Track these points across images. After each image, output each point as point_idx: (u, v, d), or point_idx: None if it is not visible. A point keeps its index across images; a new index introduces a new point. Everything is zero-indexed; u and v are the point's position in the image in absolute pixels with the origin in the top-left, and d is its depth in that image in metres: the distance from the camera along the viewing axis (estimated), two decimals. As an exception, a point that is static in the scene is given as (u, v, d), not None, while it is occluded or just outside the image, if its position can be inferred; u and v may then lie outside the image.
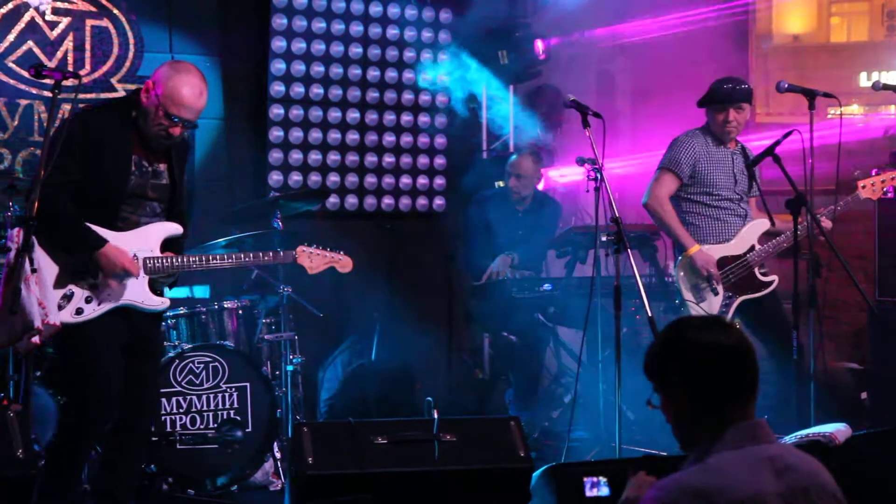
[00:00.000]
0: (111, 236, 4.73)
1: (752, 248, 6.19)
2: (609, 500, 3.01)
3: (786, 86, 5.89)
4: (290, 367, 6.16)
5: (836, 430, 4.65)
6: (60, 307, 4.61)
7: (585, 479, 3.15)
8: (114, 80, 6.96)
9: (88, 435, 4.82)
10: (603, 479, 3.07)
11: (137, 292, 4.80)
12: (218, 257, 5.08)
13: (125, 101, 4.94)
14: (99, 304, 4.72)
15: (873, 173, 6.23)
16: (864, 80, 9.14)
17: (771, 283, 6.20)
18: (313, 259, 5.34)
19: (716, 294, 6.15)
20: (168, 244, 4.92)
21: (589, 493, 3.09)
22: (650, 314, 5.43)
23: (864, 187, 6.16)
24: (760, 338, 6.18)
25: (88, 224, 4.68)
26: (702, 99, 6.27)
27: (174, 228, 4.92)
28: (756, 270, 6.18)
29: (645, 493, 2.66)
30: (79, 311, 4.66)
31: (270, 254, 5.29)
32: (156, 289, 4.90)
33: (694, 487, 2.46)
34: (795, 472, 2.53)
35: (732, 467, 2.50)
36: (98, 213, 4.73)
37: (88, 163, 4.66)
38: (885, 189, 6.19)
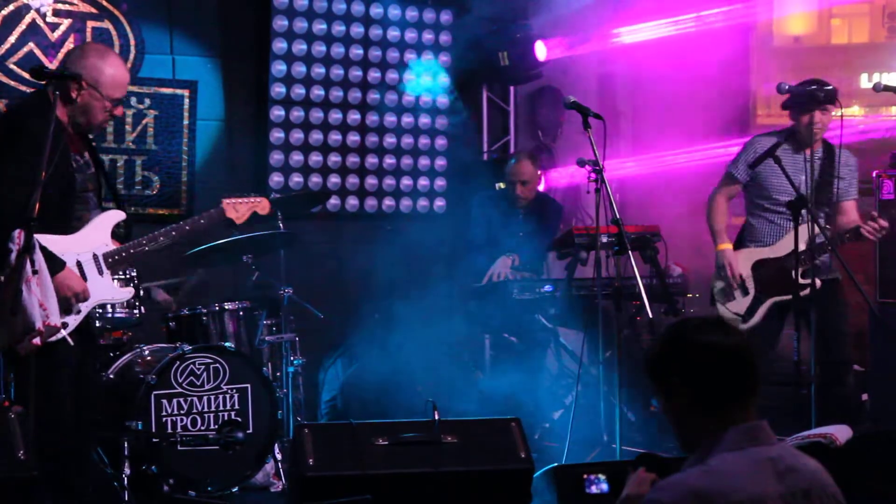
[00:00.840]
0: (69, 240, 4.70)
1: (794, 251, 6.10)
2: (609, 497, 3.04)
3: (787, 87, 5.88)
4: (290, 369, 6.17)
5: (837, 431, 4.66)
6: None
7: (585, 477, 3.19)
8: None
9: (50, 454, 4.75)
10: (602, 476, 3.11)
11: (106, 289, 4.81)
12: (162, 233, 5.03)
13: (43, 100, 4.69)
14: (79, 313, 4.71)
15: None
16: (865, 82, 9.13)
17: (807, 285, 5.88)
18: (238, 208, 5.29)
19: (745, 294, 6.14)
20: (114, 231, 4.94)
21: (588, 489, 3.13)
22: (650, 316, 5.45)
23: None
24: (812, 341, 6.13)
25: (47, 235, 4.56)
26: (786, 102, 6.18)
27: (119, 215, 4.93)
28: (794, 272, 6.08)
29: (645, 491, 2.68)
30: (64, 325, 4.63)
31: (203, 215, 5.24)
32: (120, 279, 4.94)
33: (695, 489, 2.46)
34: (796, 474, 2.53)
35: (733, 469, 2.49)
36: (57, 218, 4.66)
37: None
38: None
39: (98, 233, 4.84)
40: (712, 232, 6.26)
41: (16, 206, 4.29)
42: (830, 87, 6.09)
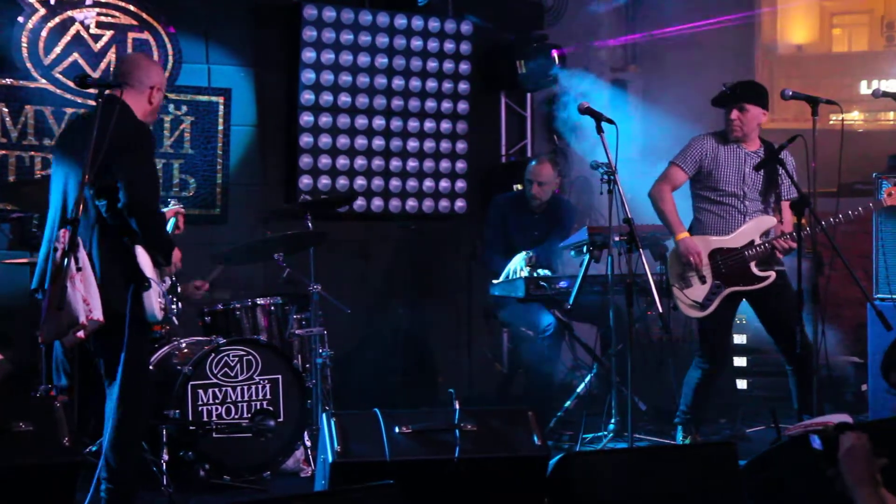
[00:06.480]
0: None
1: (752, 243, 6.11)
2: (823, 454, 3.19)
3: (790, 93, 5.84)
4: (319, 360, 6.18)
5: (837, 420, 4.63)
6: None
7: (810, 435, 3.37)
8: (154, 90, 6.98)
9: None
10: (816, 437, 3.29)
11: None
12: None
13: (130, 111, 4.72)
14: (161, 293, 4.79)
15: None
16: (865, 88, 9.10)
17: (766, 278, 6.07)
18: None
19: (703, 282, 6.08)
20: None
21: (813, 444, 3.30)
22: (661, 310, 5.42)
23: (890, 195, 6.10)
24: (769, 332, 6.15)
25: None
26: (715, 99, 6.20)
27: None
28: (752, 265, 6.10)
29: (864, 442, 3.01)
30: (163, 307, 4.71)
31: None
32: None
33: None
34: None
35: None
36: None
37: None
38: None
39: None
40: (667, 222, 6.18)
41: (158, 201, 4.71)
42: (743, 87, 6.07)
